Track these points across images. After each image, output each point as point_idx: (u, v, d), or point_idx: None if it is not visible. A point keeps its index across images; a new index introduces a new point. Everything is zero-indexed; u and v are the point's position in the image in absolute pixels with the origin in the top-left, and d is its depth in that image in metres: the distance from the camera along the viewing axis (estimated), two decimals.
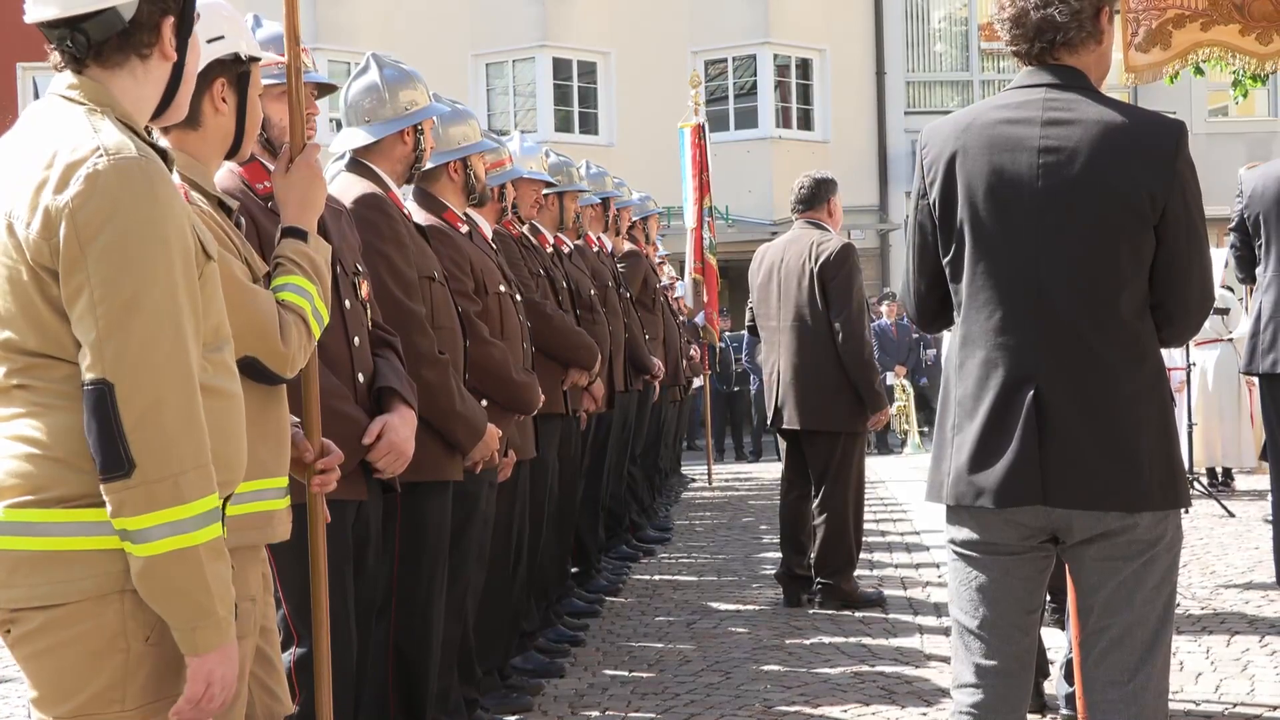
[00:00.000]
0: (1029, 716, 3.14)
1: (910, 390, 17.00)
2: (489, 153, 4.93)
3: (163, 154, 2.25)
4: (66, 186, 2.10)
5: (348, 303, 3.47)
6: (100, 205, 2.09)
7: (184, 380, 2.13)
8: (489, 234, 5.03)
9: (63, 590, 2.13)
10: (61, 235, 2.09)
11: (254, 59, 2.83)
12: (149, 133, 2.81)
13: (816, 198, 6.96)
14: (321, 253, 2.91)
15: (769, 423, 7.05)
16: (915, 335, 17.26)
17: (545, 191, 6.35)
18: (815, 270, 6.70)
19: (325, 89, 3.60)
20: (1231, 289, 10.41)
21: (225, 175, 3.23)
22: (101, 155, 2.11)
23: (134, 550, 2.11)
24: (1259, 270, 6.18)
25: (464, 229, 4.68)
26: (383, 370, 3.56)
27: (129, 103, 2.26)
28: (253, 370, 2.67)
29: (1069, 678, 4.26)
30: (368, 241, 3.80)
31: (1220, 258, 7.97)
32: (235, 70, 2.78)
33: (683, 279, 13.38)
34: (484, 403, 4.44)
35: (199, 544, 2.13)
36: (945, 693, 4.87)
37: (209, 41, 2.72)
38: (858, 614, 6.56)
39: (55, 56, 2.27)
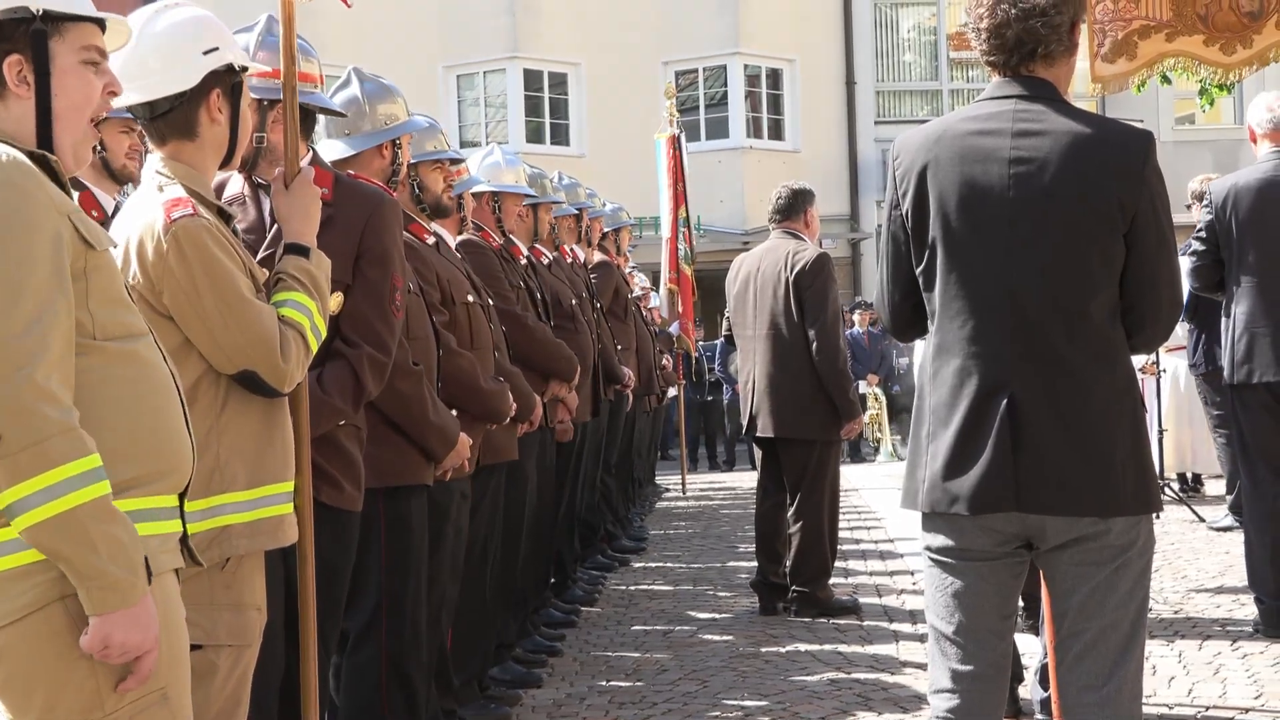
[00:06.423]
0: None
1: (883, 398, 17.06)
2: (449, 163, 4.84)
3: (42, 159, 2.26)
4: None
5: None
6: None
7: (41, 352, 2.11)
8: (453, 245, 5.04)
9: (3, 610, 2.12)
10: None
11: (245, 69, 2.88)
12: (144, 152, 2.88)
13: (794, 208, 7.00)
14: (321, 268, 2.94)
15: (744, 431, 7.08)
16: (888, 344, 17.32)
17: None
18: (791, 279, 6.74)
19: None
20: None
21: None
22: None
23: (17, 525, 2.10)
24: (1231, 284, 5.97)
25: (430, 240, 4.68)
26: None
27: (6, 131, 2.27)
28: (251, 383, 2.73)
29: (1044, 682, 4.29)
30: None
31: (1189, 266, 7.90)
32: (229, 81, 2.83)
33: (656, 290, 13.39)
34: (455, 413, 4.46)
35: (75, 506, 2.10)
36: (921, 699, 4.90)
37: (205, 53, 2.77)
38: (833, 621, 6.59)
39: None
